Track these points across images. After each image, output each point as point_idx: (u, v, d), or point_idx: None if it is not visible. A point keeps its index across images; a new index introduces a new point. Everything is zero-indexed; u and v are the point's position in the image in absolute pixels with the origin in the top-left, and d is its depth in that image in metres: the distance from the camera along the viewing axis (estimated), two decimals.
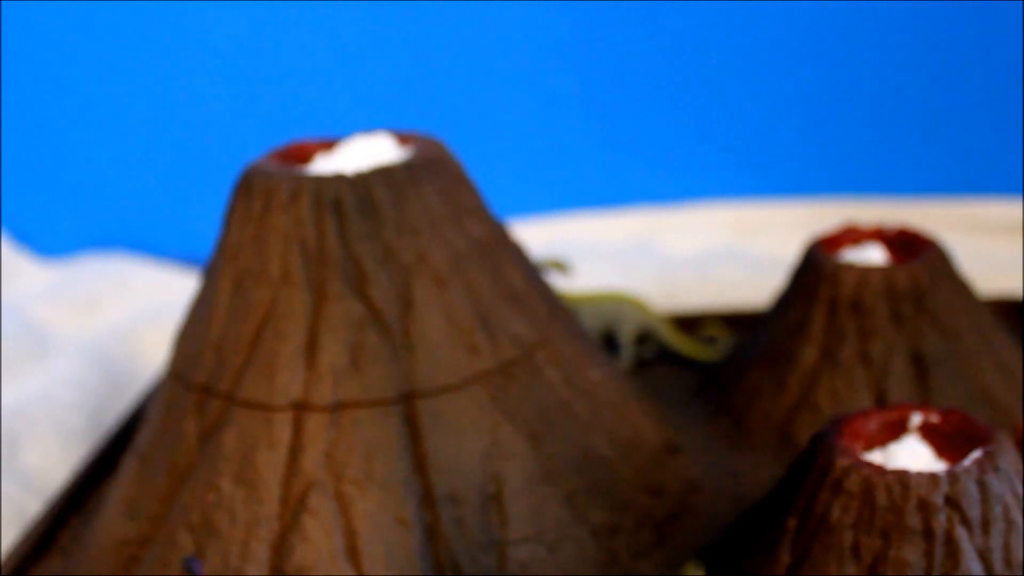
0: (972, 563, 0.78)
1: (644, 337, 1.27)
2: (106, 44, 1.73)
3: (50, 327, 1.55)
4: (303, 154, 1.03)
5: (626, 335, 1.25)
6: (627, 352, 1.25)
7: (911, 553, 0.78)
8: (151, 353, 1.48)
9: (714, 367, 1.21)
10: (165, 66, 1.74)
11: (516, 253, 1.03)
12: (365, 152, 1.01)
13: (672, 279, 1.54)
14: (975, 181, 1.70)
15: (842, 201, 1.69)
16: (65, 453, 1.28)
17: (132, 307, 1.59)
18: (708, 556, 0.93)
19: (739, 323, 1.32)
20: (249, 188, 0.97)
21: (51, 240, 1.77)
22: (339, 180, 0.95)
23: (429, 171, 0.97)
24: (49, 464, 1.26)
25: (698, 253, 1.62)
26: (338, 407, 0.91)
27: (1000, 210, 1.66)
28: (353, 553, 0.89)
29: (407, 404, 0.92)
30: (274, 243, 0.94)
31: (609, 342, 1.26)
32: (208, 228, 1.08)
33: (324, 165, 1.00)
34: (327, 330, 0.92)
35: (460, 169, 1.01)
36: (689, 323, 1.32)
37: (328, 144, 1.04)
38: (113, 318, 1.57)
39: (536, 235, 1.58)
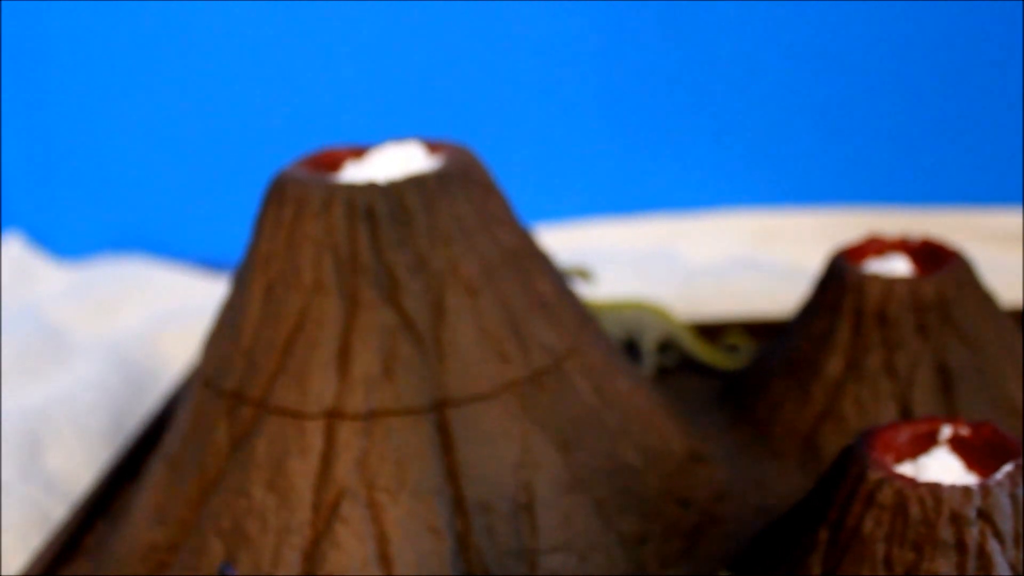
0: None
1: (666, 345, 1.27)
2: (129, 47, 1.73)
3: (69, 329, 1.55)
4: (333, 161, 1.03)
5: (648, 343, 1.26)
6: (649, 360, 1.25)
7: (944, 566, 0.78)
8: (171, 355, 1.48)
9: (736, 376, 1.22)
10: (187, 70, 1.74)
11: (545, 262, 1.03)
12: (395, 160, 1.01)
13: (693, 287, 1.54)
14: (995, 190, 1.70)
15: (862, 210, 1.69)
16: (88, 455, 1.28)
17: (151, 310, 1.59)
18: (737, 567, 0.93)
19: (760, 332, 1.32)
20: (281, 195, 0.97)
21: (70, 242, 1.77)
22: (372, 188, 0.95)
23: (460, 180, 0.98)
24: (72, 466, 1.26)
25: (719, 261, 1.62)
26: (370, 415, 0.92)
27: (1020, 220, 1.66)
28: (385, 560, 0.89)
29: (439, 412, 0.93)
30: (306, 250, 0.95)
31: (631, 350, 1.26)
32: (227, 231, 1.08)
33: (354, 173, 1.01)
34: (359, 338, 0.93)
35: (490, 178, 1.02)
36: (711, 331, 1.33)
37: (358, 152, 1.04)
38: (133, 320, 1.57)
39: (557, 241, 1.58)
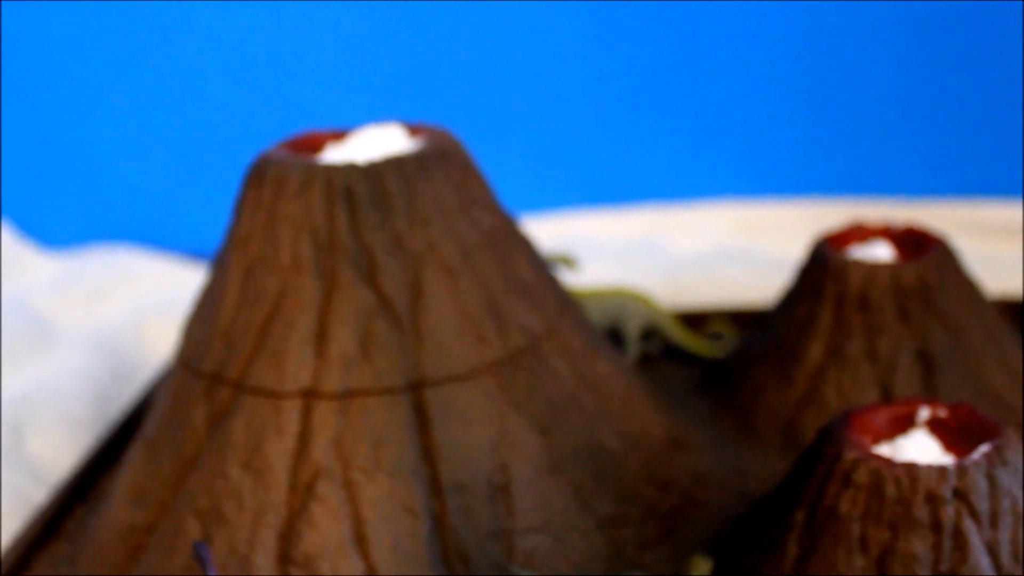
0: (980, 556, 0.78)
1: (649, 333, 1.27)
2: (114, 37, 1.73)
3: (56, 319, 1.55)
4: (314, 144, 1.03)
5: (631, 330, 1.26)
6: (632, 347, 1.25)
7: (919, 545, 0.78)
8: (156, 344, 1.48)
9: (719, 363, 1.22)
10: (172, 59, 1.74)
11: (525, 245, 1.03)
12: (376, 143, 1.01)
13: (678, 277, 1.54)
14: (980, 183, 1.71)
15: (847, 201, 1.70)
16: (70, 442, 1.28)
17: (138, 299, 1.59)
18: (715, 549, 0.93)
19: (745, 321, 1.32)
20: (261, 176, 0.97)
21: (57, 232, 1.77)
22: (351, 169, 0.95)
23: (440, 161, 0.98)
24: (54, 453, 1.26)
25: (704, 252, 1.62)
26: (347, 395, 0.92)
27: (1004, 212, 1.67)
28: (360, 541, 0.89)
29: (416, 393, 0.92)
30: (285, 231, 0.95)
31: (614, 337, 1.26)
32: (214, 221, 1.08)
33: (335, 155, 1.01)
34: (337, 318, 0.93)
35: (470, 160, 1.02)
36: (695, 320, 1.32)
37: (339, 135, 1.04)
38: (119, 310, 1.57)
39: (543, 232, 1.58)
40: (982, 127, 1.72)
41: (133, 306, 1.57)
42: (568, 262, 1.28)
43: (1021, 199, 1.68)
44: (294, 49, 1.74)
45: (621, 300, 1.26)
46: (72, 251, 1.74)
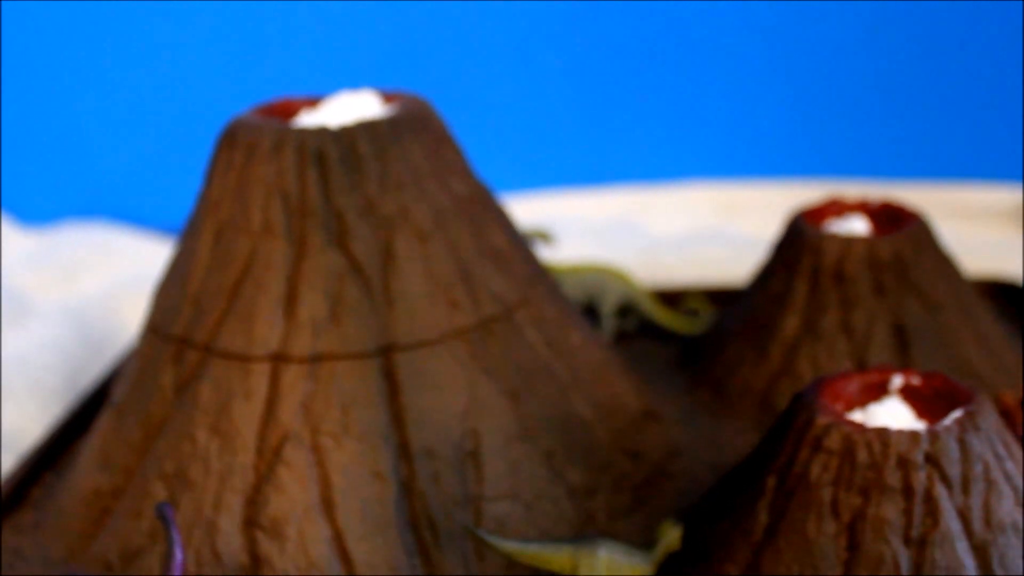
0: (952, 522, 0.78)
1: (626, 309, 1.27)
2: (86, 11, 1.72)
3: (32, 294, 1.54)
4: (288, 110, 1.03)
5: (608, 306, 1.25)
6: (608, 323, 1.24)
7: (890, 511, 0.78)
8: (131, 319, 1.47)
9: (696, 339, 1.21)
10: (146, 33, 1.73)
11: (499, 213, 1.02)
12: (349, 108, 1.01)
13: (656, 258, 1.54)
14: (959, 165, 1.71)
15: (826, 182, 1.69)
16: (41, 413, 1.27)
17: (113, 275, 1.58)
18: (687, 517, 0.92)
19: (722, 299, 1.31)
20: (232, 140, 0.96)
21: (34, 208, 1.76)
22: (322, 132, 0.94)
23: (413, 127, 0.97)
24: (24, 424, 1.25)
25: (683, 232, 1.62)
26: (316, 359, 0.91)
27: (984, 195, 1.67)
28: (328, 505, 0.88)
29: (386, 357, 0.91)
30: (256, 194, 0.94)
31: (591, 313, 1.25)
32: (190, 197, 1.07)
33: (309, 120, 1.00)
34: (307, 282, 0.92)
35: (444, 127, 1.01)
36: (671, 298, 1.32)
37: (313, 101, 1.04)
38: (94, 285, 1.56)
39: (521, 212, 1.57)
40: (962, 110, 1.72)
41: (108, 282, 1.56)
42: (544, 237, 1.28)
43: (1001, 182, 1.68)
44: (271, 22, 1.73)
45: (599, 276, 1.25)
46: (48, 227, 1.73)
